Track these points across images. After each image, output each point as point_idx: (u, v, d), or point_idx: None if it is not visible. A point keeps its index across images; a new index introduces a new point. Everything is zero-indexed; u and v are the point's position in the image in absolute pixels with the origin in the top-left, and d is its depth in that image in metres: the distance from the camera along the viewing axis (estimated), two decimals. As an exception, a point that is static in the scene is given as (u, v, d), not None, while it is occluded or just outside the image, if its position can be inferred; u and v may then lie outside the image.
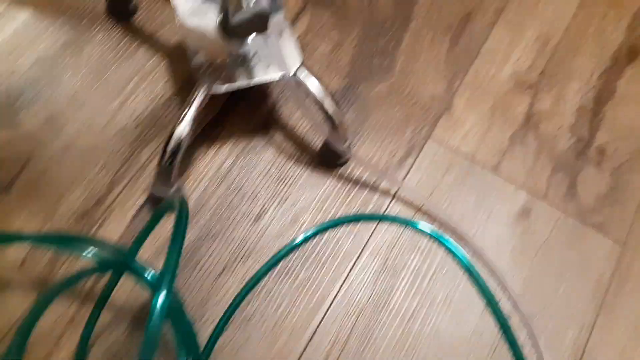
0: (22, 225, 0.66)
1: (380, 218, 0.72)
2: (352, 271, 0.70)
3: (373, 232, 0.72)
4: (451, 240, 0.72)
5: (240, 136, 0.75)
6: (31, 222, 0.66)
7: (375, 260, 0.70)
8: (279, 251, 0.69)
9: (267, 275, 0.68)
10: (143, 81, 0.75)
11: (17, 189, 0.67)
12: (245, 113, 0.76)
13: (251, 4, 0.58)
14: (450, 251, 0.71)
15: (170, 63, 0.77)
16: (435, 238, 0.72)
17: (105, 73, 0.74)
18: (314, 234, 0.71)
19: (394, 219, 0.72)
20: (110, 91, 0.74)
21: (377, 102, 0.79)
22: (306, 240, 0.70)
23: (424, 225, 0.72)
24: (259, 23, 0.56)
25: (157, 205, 0.68)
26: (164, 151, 0.63)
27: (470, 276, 0.70)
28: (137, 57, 0.76)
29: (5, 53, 0.73)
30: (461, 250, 0.71)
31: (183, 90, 0.75)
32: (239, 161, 0.73)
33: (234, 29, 0.63)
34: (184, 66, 0.76)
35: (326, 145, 0.73)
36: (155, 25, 0.78)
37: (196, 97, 0.63)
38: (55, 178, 0.68)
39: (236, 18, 0.55)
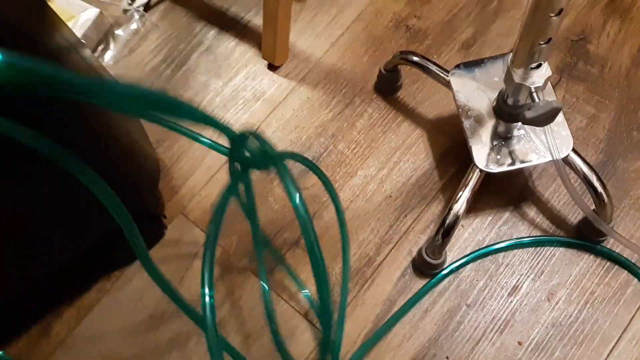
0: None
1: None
2: (609, 356, 0.69)
3: (634, 316, 0.71)
4: None
5: (495, 209, 0.79)
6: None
7: (636, 348, 0.69)
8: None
9: (523, 349, 0.71)
10: (406, 152, 0.83)
11: (303, 244, 0.79)
12: (499, 187, 0.80)
13: (538, 97, 0.63)
14: None
15: (430, 136, 0.84)
16: None
17: (374, 144, 0.84)
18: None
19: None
20: (378, 160, 0.83)
21: (636, 178, 0.78)
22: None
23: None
24: (551, 117, 0.60)
25: (420, 271, 0.75)
26: (441, 225, 0.70)
27: None
28: (400, 130, 0.85)
29: (292, 126, 0.87)
30: None
31: (442, 163, 0.82)
32: (494, 233, 0.77)
33: (511, 115, 0.69)
34: (442, 139, 0.83)
35: (587, 222, 0.74)
36: (416, 101, 0.87)
37: (472, 177, 0.69)
38: (333, 237, 0.79)
39: (529, 114, 0.60)
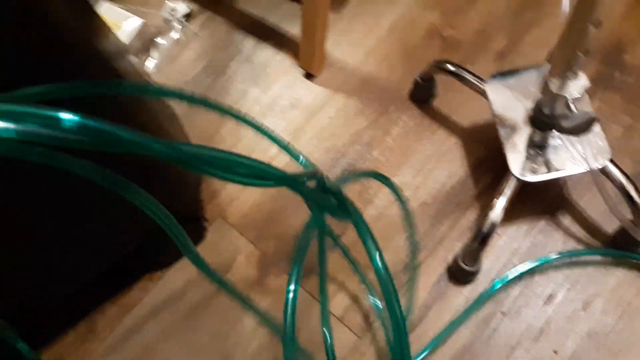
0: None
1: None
2: (648, 365, 0.69)
3: (672, 326, 0.70)
4: None
5: (530, 218, 0.79)
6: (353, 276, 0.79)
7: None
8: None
9: (558, 358, 0.71)
10: (441, 160, 0.84)
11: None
12: (534, 195, 0.80)
13: (575, 107, 0.63)
14: None
15: (464, 144, 0.85)
16: None
17: (409, 151, 0.85)
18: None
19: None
20: (413, 168, 0.84)
21: (674, 189, 0.78)
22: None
23: None
24: (587, 127, 0.61)
25: (456, 278, 0.76)
26: (477, 233, 0.71)
27: None
28: (435, 138, 0.86)
29: (328, 133, 0.89)
30: None
31: (476, 171, 0.83)
32: (529, 242, 0.78)
33: (547, 125, 0.69)
34: (477, 148, 0.84)
35: (623, 232, 0.74)
36: (450, 110, 0.88)
37: (508, 185, 0.70)
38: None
39: (566, 123, 0.60)
